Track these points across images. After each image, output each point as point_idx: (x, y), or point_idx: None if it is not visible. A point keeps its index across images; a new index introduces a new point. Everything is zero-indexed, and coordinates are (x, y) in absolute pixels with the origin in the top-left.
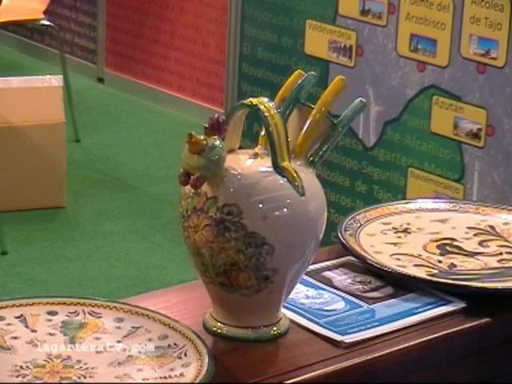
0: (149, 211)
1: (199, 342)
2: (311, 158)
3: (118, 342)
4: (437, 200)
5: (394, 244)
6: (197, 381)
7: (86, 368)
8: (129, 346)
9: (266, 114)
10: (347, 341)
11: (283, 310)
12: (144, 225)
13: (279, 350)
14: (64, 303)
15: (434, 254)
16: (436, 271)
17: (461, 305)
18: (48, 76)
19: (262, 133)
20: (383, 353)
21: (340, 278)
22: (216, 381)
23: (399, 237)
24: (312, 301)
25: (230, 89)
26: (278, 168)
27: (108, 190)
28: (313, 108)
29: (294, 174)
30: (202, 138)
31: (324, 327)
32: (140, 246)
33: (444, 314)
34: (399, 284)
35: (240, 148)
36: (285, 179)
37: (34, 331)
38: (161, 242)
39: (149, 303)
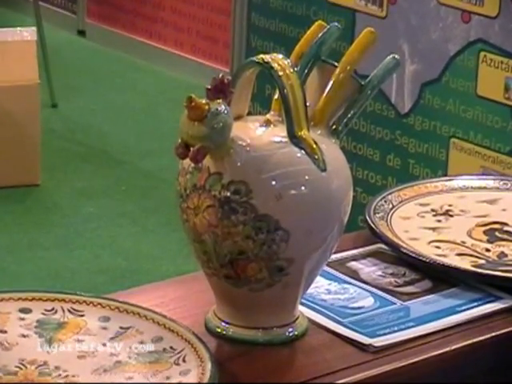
0: (140, 190)
1: (200, 346)
2: (334, 127)
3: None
4: (484, 177)
5: (433, 229)
6: None
7: (66, 376)
8: (116, 350)
9: (280, 73)
10: (376, 344)
11: (300, 308)
12: (134, 206)
13: (295, 355)
14: (39, 299)
15: (480, 241)
16: (483, 261)
17: None
18: (19, 28)
19: (276, 96)
20: (419, 359)
21: (368, 269)
22: None
23: (439, 220)
24: (335, 297)
25: (237, 43)
26: (294, 138)
27: (91, 166)
28: (336, 66)
29: (314, 146)
30: (203, 102)
31: (349, 328)
32: (129, 232)
33: (492, 313)
34: (439, 277)
35: (249, 114)
36: (302, 152)
37: (3, 332)
38: (154, 226)
39: (140, 299)
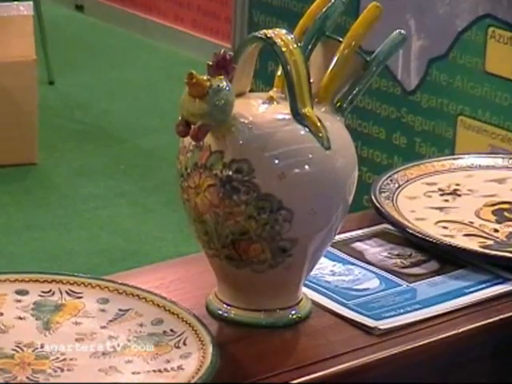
0: (139, 169)
1: (201, 328)
2: (339, 104)
3: (103, 327)
4: (492, 155)
5: (440, 209)
6: (198, 375)
7: (64, 359)
8: (115, 333)
9: (284, 49)
10: (382, 327)
11: (304, 290)
12: (133, 186)
13: (299, 337)
14: (36, 280)
15: (488, 221)
16: (491, 242)
17: None
18: (15, 2)
19: (279, 72)
20: (425, 342)
21: (374, 250)
22: (222, 375)
23: (446, 200)
24: (339, 278)
25: (239, 18)
26: (297, 115)
27: (89, 144)
28: (341, 42)
29: (318, 123)
30: (204, 78)
31: (354, 310)
32: (128, 212)
33: (500, 295)
34: (446, 258)
35: (251, 91)
36: (306, 129)
37: None
38: (154, 206)
39: (140, 281)
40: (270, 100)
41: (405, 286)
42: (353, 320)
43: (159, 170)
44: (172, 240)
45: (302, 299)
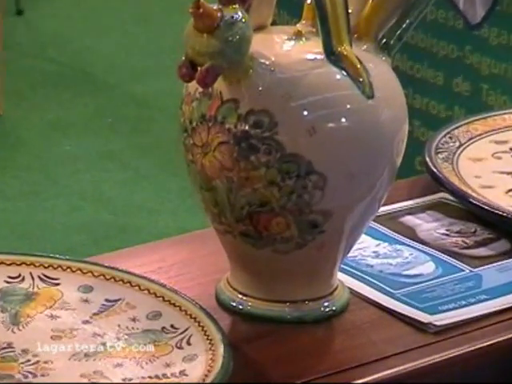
0: (130, 123)
1: (210, 324)
2: (384, 41)
3: (85, 322)
4: None
5: None
6: (206, 382)
7: (36, 362)
8: (101, 330)
9: None
10: (438, 323)
11: (340, 276)
12: (123, 144)
13: (333, 336)
14: (1, 263)
15: None
16: None
17: None
18: None
19: (308, 0)
20: (493, 341)
21: (428, 226)
22: (235, 382)
23: None
24: (385, 261)
25: None
26: (332, 55)
27: (67, 91)
28: None
29: (358, 65)
30: (214, 8)
31: (403, 302)
32: (117, 178)
33: None
34: None
35: (273, 24)
36: (343, 73)
37: None
38: (149, 170)
39: (132, 264)
40: (298, 35)
41: (467, 271)
42: (401, 314)
43: (155, 123)
44: (172, 212)
45: (337, 288)
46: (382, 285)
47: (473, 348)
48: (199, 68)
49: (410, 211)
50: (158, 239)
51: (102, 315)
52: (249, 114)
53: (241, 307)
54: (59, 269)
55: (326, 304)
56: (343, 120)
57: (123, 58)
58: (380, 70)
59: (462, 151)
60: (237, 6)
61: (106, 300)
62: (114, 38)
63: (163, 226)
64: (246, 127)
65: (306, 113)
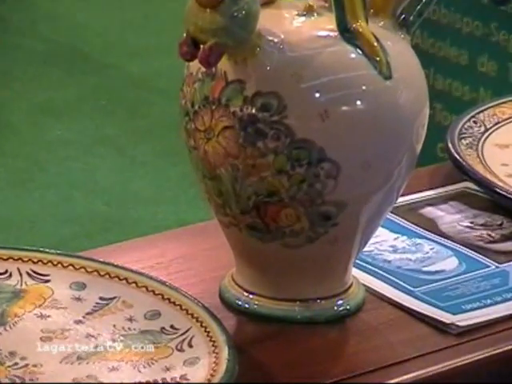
0: (126, 106)
1: (213, 324)
2: (403, 16)
3: (78, 322)
4: None
5: None
6: None
7: (25, 365)
8: (95, 330)
9: None
10: (461, 323)
11: (354, 272)
12: (118, 129)
13: (347, 338)
14: None
15: None
16: None
17: None
18: None
19: None
20: None
21: (451, 218)
22: None
23: None
24: (403, 256)
25: None
26: (346, 32)
27: (58, 71)
28: None
29: (375, 43)
30: None
31: (423, 301)
32: (112, 165)
33: None
34: None
35: None
36: (358, 51)
37: None
38: (147, 157)
39: (128, 259)
40: (309, 11)
41: (493, 267)
42: (421, 314)
43: (154, 106)
44: (172, 203)
45: (351, 285)
46: (400, 282)
47: (499, 351)
48: (202, 46)
49: (431, 202)
50: (157, 232)
51: (96, 315)
52: (256, 96)
53: (247, 306)
54: (49, 264)
55: (339, 303)
56: (358, 103)
57: (119, 36)
58: (398, 49)
59: (487, 137)
60: None
61: (101, 298)
62: (110, 13)
63: (162, 217)
64: (253, 110)
65: (317, 95)
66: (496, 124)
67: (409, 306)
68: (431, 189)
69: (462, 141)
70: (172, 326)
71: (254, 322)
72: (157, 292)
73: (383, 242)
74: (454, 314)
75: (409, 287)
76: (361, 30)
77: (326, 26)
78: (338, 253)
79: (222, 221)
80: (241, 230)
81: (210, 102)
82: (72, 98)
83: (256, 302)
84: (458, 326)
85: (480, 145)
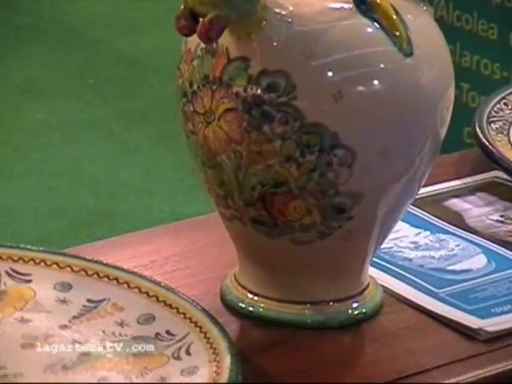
0: (116, 86)
1: (214, 330)
2: None
3: (63, 327)
4: None
5: None
6: None
7: (4, 375)
8: (83, 336)
9: None
10: (490, 328)
11: (371, 272)
12: (108, 111)
13: (363, 344)
14: None
15: None
16: None
17: None
18: None
19: None
20: None
21: (479, 211)
22: None
23: None
24: (426, 254)
25: None
26: (362, 4)
27: (41, 47)
28: None
29: (394, 16)
30: None
31: (448, 303)
32: (100, 152)
33: None
34: None
35: None
36: (375, 25)
37: None
38: (139, 143)
39: (120, 256)
40: None
41: None
42: (446, 318)
43: (147, 86)
44: (167, 194)
45: (367, 286)
46: (422, 282)
47: None
48: (201, 19)
49: (457, 193)
50: (151, 227)
51: (83, 319)
52: (261, 74)
53: (251, 309)
54: (31, 262)
55: (354, 305)
56: (375, 82)
57: (109, 8)
58: (420, 22)
59: None
60: None
61: (88, 300)
62: None
63: (157, 210)
64: (258, 91)
65: (330, 74)
66: None
67: (432, 310)
68: (457, 178)
69: (492, 125)
70: (168, 332)
71: (259, 326)
72: (151, 293)
73: (403, 237)
74: (482, 318)
75: (432, 288)
76: (378, 1)
77: None
78: (353, 250)
79: (223, 214)
80: (245, 224)
81: (210, 81)
82: (56, 77)
83: (261, 305)
84: (486, 331)
85: (511, 129)
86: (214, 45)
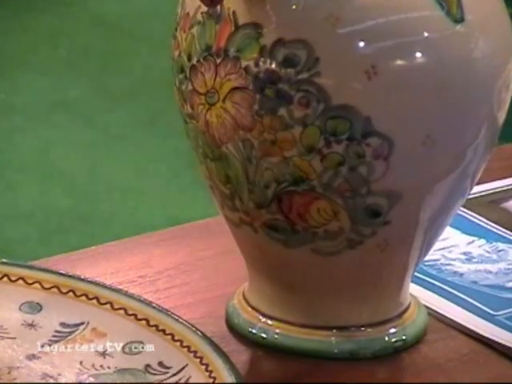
0: (95, 58)
1: (218, 361)
2: None
3: (31, 357)
4: None
5: None
6: None
7: None
8: (56, 368)
9: None
10: None
11: (413, 290)
12: (83, 88)
13: (403, 378)
14: None
15: None
16: None
17: None
18: None
19: None
20: None
21: None
22: None
23: None
24: (480, 267)
25: None
26: None
27: (5, 11)
28: None
29: None
30: None
31: (506, 328)
32: (76, 139)
33: None
34: None
35: None
36: None
37: None
38: (123, 129)
39: (101, 270)
40: None
41: None
42: (505, 346)
43: (133, 59)
44: (159, 193)
45: (408, 307)
46: (476, 303)
47: None
48: None
49: None
50: (140, 233)
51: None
52: (276, 45)
53: (264, 336)
54: None
55: (392, 331)
56: (418, 55)
57: None
58: None
59: None
60: None
61: (62, 324)
62: None
63: (146, 213)
64: (273, 65)
65: (361, 44)
66: None
67: (488, 336)
68: None
69: None
70: (161, 364)
71: (274, 357)
72: (140, 316)
73: (453, 247)
74: None
75: (488, 310)
76: None
77: None
78: (389, 262)
79: (229, 218)
80: (256, 230)
81: (213, 53)
82: (20, 48)
83: (277, 331)
84: None
85: None
86: (218, 8)
